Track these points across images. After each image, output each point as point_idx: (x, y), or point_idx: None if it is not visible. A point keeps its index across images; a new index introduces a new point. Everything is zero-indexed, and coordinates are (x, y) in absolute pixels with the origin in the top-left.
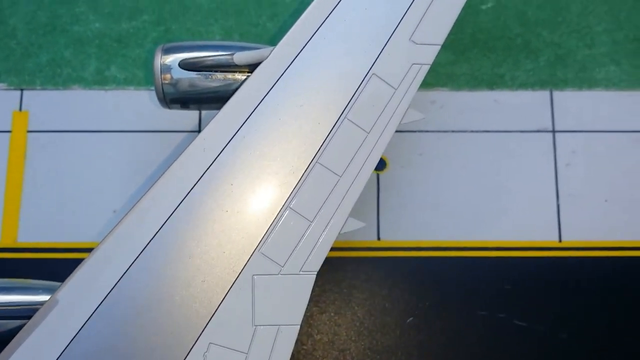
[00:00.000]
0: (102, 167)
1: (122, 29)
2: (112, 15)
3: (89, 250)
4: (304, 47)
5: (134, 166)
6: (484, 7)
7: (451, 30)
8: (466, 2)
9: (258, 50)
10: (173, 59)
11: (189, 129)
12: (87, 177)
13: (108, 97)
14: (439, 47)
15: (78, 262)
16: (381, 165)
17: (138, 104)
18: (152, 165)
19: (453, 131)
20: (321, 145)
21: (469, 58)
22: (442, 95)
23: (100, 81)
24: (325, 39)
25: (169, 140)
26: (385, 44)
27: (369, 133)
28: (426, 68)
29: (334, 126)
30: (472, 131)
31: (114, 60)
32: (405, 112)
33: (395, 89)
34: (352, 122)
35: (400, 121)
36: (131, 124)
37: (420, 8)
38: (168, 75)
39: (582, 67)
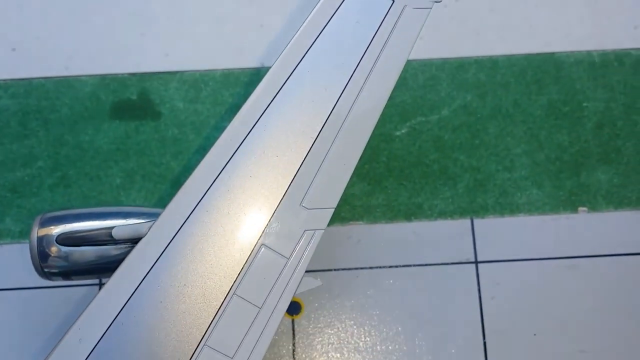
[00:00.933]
0: None
1: (16, 177)
2: (5, 164)
3: None
4: (185, 221)
5: (30, 328)
6: (397, 133)
7: (365, 159)
8: (379, 129)
9: (136, 226)
10: (51, 233)
11: (89, 282)
12: None
13: (3, 253)
14: (332, 210)
15: None
16: (295, 309)
17: None
18: (50, 325)
19: (371, 267)
20: (209, 327)
21: (384, 188)
22: (358, 230)
23: None
24: (207, 212)
25: (69, 296)
26: (274, 212)
27: (260, 308)
28: (320, 232)
29: (222, 304)
30: (390, 266)
31: (8, 212)
32: (300, 280)
33: (288, 259)
34: (242, 298)
35: (296, 291)
36: (27, 280)
37: (309, 171)
38: (45, 251)
39: (503, 192)
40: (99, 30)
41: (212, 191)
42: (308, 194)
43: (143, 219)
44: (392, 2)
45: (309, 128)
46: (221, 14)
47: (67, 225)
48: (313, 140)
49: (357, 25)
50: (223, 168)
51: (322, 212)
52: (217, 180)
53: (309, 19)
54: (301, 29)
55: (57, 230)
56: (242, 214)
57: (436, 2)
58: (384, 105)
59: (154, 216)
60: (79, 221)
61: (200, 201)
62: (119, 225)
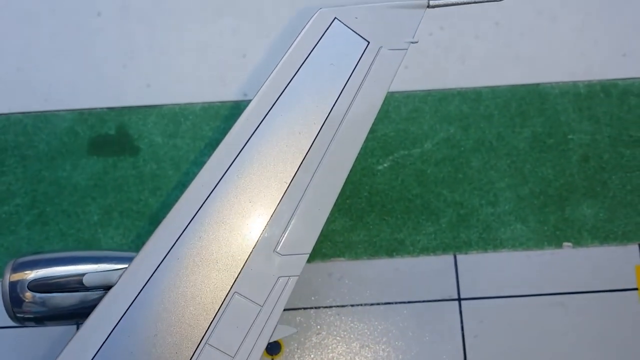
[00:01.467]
0: None
1: None
2: None
3: None
4: (155, 270)
5: None
6: (379, 167)
7: (346, 194)
8: (361, 163)
9: (107, 273)
10: (23, 279)
11: None
12: None
13: None
14: (307, 256)
15: None
16: (275, 349)
17: None
18: None
19: (352, 305)
20: None
21: (366, 223)
22: (340, 266)
23: None
24: (179, 259)
25: (49, 334)
26: (247, 259)
27: (233, 358)
28: (295, 279)
29: (193, 354)
30: (372, 304)
31: None
32: (274, 329)
33: (261, 306)
34: (214, 347)
35: (269, 340)
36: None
37: (283, 217)
38: (17, 297)
39: (486, 227)
40: (81, 61)
41: (183, 238)
42: (282, 240)
43: (115, 263)
44: (367, 43)
45: (283, 172)
46: (204, 43)
47: (39, 271)
48: (287, 185)
49: (331, 67)
50: (194, 215)
51: (297, 258)
52: (188, 227)
53: (280, 63)
54: (273, 73)
55: (29, 276)
56: (214, 261)
57: (412, 42)
58: (358, 150)
59: (127, 260)
60: (50, 266)
61: (171, 249)
62: (90, 271)
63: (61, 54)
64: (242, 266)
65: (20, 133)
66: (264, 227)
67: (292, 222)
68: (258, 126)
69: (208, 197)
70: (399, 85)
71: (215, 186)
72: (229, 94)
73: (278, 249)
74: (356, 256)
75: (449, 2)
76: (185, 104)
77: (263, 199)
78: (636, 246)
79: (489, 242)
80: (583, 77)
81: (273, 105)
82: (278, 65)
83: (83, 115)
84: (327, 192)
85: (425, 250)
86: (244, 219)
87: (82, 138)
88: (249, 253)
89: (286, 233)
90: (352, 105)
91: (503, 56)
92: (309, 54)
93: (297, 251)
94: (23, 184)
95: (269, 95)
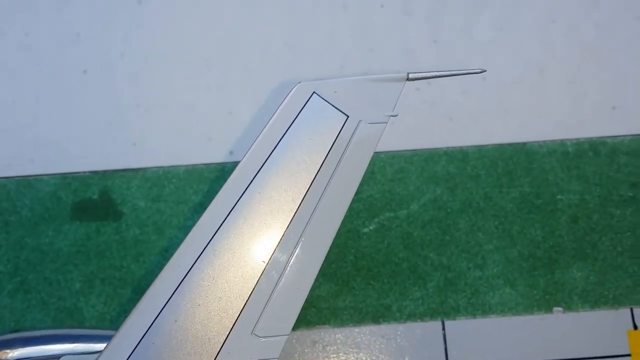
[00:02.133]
0: None
1: None
2: None
3: None
4: (129, 356)
5: None
6: (365, 230)
7: (331, 258)
8: (346, 226)
9: (83, 357)
10: (6, 357)
11: None
12: None
13: None
14: (286, 337)
15: None
16: None
17: None
18: None
19: None
20: None
21: (352, 288)
22: (325, 334)
23: None
24: (154, 344)
25: None
26: (224, 343)
27: None
28: None
29: None
30: None
31: None
32: None
33: None
34: None
35: None
36: None
37: (261, 298)
38: None
39: (475, 292)
40: (66, 119)
41: (158, 321)
42: (260, 322)
43: (93, 342)
44: (346, 117)
45: (261, 252)
46: (190, 100)
47: (15, 351)
48: (265, 265)
49: (310, 142)
50: (170, 297)
51: (275, 340)
52: (163, 309)
53: (258, 138)
54: (250, 149)
55: (8, 356)
56: (189, 345)
57: (392, 116)
58: (338, 226)
59: (105, 339)
60: (28, 346)
61: (146, 333)
62: (67, 352)
63: (46, 112)
64: (219, 350)
65: (4, 198)
66: (241, 308)
67: (270, 303)
68: (234, 205)
69: (184, 278)
70: (384, 145)
71: (191, 267)
72: (214, 154)
73: (256, 331)
74: (342, 323)
75: (428, 76)
76: (169, 167)
77: (240, 280)
78: (628, 310)
79: (478, 307)
80: (573, 132)
81: (250, 183)
82: (255, 141)
83: (66, 180)
84: (306, 271)
85: (413, 316)
86: (220, 301)
87: (65, 203)
88: (226, 336)
89: (264, 314)
90: (332, 181)
91: (490, 111)
92: (287, 129)
93: (276, 333)
94: (6, 250)
95: (245, 173)
